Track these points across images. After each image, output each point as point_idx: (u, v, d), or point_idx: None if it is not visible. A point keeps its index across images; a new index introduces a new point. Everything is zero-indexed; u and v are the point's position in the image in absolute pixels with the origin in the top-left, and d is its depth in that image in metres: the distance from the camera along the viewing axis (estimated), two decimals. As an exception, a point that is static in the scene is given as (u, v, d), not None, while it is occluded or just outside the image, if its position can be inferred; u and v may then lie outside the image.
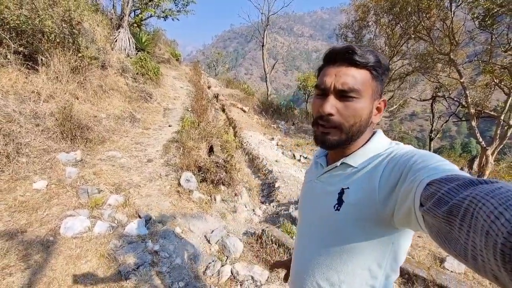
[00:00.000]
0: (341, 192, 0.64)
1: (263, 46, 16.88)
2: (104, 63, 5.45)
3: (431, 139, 13.48)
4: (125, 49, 7.31)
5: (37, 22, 3.61)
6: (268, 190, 4.57)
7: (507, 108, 6.61)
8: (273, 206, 3.88)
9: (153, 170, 3.52)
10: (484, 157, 6.58)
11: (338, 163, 0.68)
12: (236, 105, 10.57)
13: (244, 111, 10.43)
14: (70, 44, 4.23)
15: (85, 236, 2.18)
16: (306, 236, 0.76)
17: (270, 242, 2.42)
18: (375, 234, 0.61)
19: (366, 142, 0.68)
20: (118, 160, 3.54)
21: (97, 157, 3.47)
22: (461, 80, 7.31)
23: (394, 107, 16.07)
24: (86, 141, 3.61)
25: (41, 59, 3.80)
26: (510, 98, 6.54)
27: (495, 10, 5.69)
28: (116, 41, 7.08)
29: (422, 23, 7.97)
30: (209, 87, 12.16)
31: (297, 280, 0.77)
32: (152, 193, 3.06)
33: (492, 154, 6.48)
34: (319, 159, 0.78)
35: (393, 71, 13.55)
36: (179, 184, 3.25)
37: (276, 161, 5.79)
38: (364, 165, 0.64)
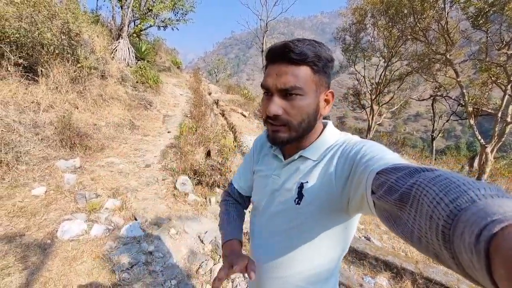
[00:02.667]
0: (301, 186, 0.66)
1: (262, 51, 17.09)
2: (104, 73, 5.60)
3: (433, 139, 13.42)
4: (125, 59, 7.49)
5: (37, 35, 3.76)
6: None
7: (503, 105, 6.59)
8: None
9: (150, 175, 3.59)
10: (484, 155, 6.55)
11: (296, 156, 0.70)
12: (236, 110, 10.65)
13: (245, 116, 10.49)
14: (69, 55, 4.37)
15: (82, 239, 2.25)
16: (266, 230, 0.77)
17: (262, 242, 2.46)
18: (333, 223, 0.65)
19: (320, 135, 0.70)
20: (117, 166, 3.63)
21: (96, 164, 3.56)
22: (458, 79, 7.33)
23: (396, 107, 16.00)
24: (86, 149, 3.71)
25: (41, 70, 3.93)
26: (506, 96, 6.53)
27: (487, 10, 5.75)
28: (115, 51, 7.27)
29: (418, 24, 8.03)
30: (209, 93, 12.29)
31: (259, 271, 0.76)
32: (149, 197, 3.13)
33: (492, 151, 6.43)
34: (276, 151, 0.78)
35: (392, 72, 13.61)
36: (175, 187, 3.32)
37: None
38: (321, 158, 0.66)
